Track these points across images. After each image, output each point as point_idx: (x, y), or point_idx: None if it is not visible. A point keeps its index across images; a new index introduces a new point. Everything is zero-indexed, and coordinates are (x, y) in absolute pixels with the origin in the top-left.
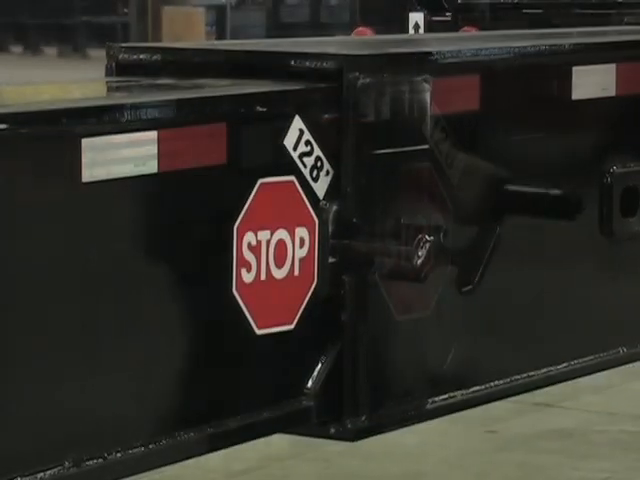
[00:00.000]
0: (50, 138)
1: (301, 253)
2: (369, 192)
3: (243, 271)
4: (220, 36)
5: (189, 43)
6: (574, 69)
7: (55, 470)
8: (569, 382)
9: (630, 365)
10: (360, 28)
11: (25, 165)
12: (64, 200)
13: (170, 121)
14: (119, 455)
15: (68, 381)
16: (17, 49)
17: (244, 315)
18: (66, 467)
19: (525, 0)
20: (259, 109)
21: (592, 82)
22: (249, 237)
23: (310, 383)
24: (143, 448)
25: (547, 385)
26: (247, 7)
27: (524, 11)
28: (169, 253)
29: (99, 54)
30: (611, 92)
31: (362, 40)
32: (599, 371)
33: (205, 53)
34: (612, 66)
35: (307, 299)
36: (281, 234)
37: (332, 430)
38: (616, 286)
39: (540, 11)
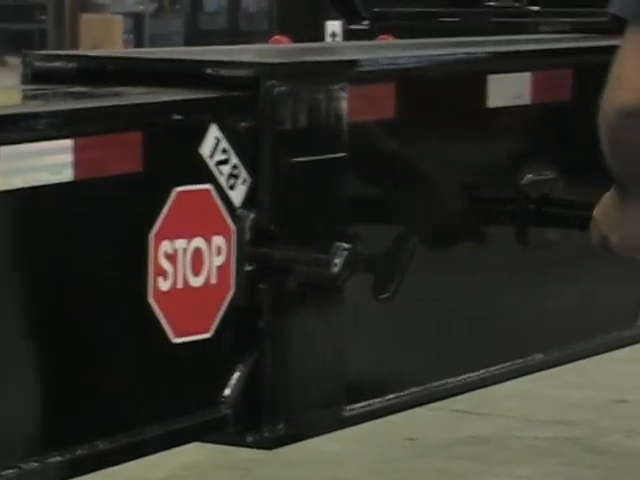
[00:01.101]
0: None
1: (218, 261)
2: (286, 200)
3: (159, 279)
4: (138, 44)
5: (106, 51)
6: (489, 77)
7: None
8: (486, 389)
9: (547, 372)
10: (277, 36)
11: None
12: None
13: (86, 129)
14: (35, 465)
15: None
16: None
17: (160, 323)
18: None
19: (441, 9)
20: (175, 117)
21: (507, 90)
22: (165, 246)
23: (228, 391)
24: (59, 458)
25: (465, 392)
26: (165, 15)
27: (440, 19)
28: (85, 261)
29: (16, 62)
30: (526, 100)
31: (279, 48)
32: (515, 377)
33: (122, 61)
34: (527, 74)
35: (224, 307)
36: (198, 242)
37: (250, 438)
38: (531, 294)
39: (456, 19)
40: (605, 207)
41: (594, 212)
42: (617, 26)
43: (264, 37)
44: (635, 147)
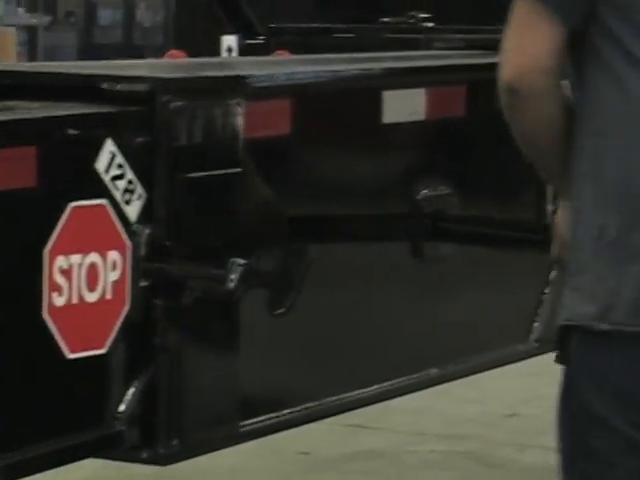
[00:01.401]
0: None
1: (113, 276)
2: (182, 215)
3: (54, 295)
4: (32, 57)
5: None
6: (384, 93)
7: None
8: (380, 403)
9: (441, 386)
10: (173, 51)
11: None
12: None
13: None
14: None
15: None
16: None
17: (55, 339)
18: None
19: (336, 25)
20: (70, 132)
21: (402, 106)
22: (60, 261)
23: (123, 407)
24: None
25: (359, 407)
26: (59, 28)
27: (336, 35)
28: None
29: None
30: (421, 116)
31: (175, 63)
32: (410, 392)
33: (16, 75)
34: (422, 90)
35: (119, 323)
36: (93, 258)
37: (144, 454)
38: (426, 309)
39: (352, 35)
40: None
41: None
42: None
43: (159, 52)
44: (525, 123)
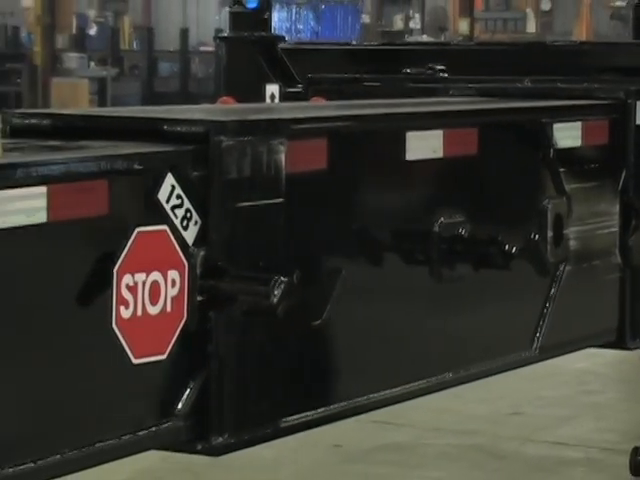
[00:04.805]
0: None
1: (173, 292)
2: (232, 239)
3: (122, 308)
4: (102, 104)
5: (75, 109)
6: (407, 134)
7: None
8: (403, 403)
9: (456, 388)
10: (224, 97)
11: None
12: None
13: (58, 177)
14: (10, 471)
15: None
16: None
17: (122, 346)
18: None
19: (365, 75)
20: (136, 167)
21: (423, 145)
22: (127, 279)
23: (180, 406)
24: (32, 464)
25: (385, 405)
26: (125, 78)
27: (365, 84)
28: (57, 291)
29: None
30: (439, 154)
31: (226, 108)
32: (429, 393)
33: (88, 118)
34: (440, 132)
35: (178, 332)
36: (155, 276)
37: (199, 446)
38: (443, 321)
39: (378, 84)
40: None
41: None
42: None
43: (211, 98)
44: None
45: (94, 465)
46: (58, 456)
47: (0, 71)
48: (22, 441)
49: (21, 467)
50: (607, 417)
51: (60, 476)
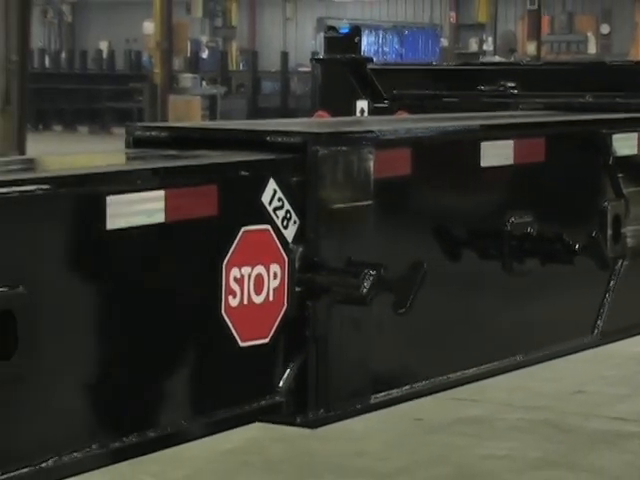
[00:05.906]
0: (81, 196)
1: (275, 284)
2: (327, 237)
3: (230, 297)
4: (213, 118)
5: (189, 123)
6: (482, 143)
7: None
8: (479, 382)
9: (526, 369)
10: (319, 112)
11: (65, 218)
12: (92, 246)
13: (174, 182)
14: (122, 444)
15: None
16: (58, 128)
17: (231, 331)
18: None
19: (444, 91)
20: (242, 173)
21: (495, 153)
22: (235, 272)
23: (282, 384)
24: (152, 434)
25: (463, 384)
26: (233, 96)
27: (444, 99)
28: (173, 283)
29: (121, 131)
30: (510, 161)
31: (321, 121)
32: (502, 373)
33: (201, 131)
34: (511, 142)
35: (279, 319)
36: (259, 269)
37: (298, 419)
38: (514, 309)
39: (456, 100)
40: None
41: None
42: None
43: (308, 113)
44: None
45: (211, 434)
46: (184, 424)
47: (124, 90)
48: (153, 412)
49: (153, 434)
50: None
51: (186, 442)
